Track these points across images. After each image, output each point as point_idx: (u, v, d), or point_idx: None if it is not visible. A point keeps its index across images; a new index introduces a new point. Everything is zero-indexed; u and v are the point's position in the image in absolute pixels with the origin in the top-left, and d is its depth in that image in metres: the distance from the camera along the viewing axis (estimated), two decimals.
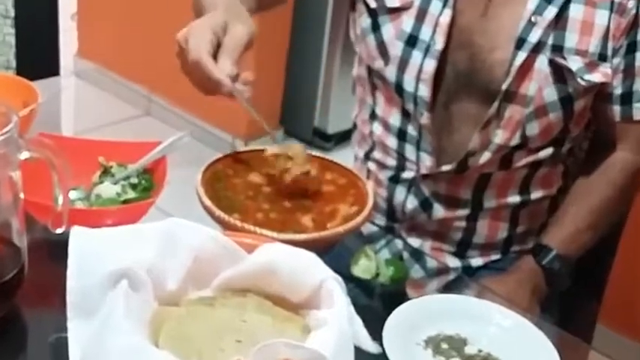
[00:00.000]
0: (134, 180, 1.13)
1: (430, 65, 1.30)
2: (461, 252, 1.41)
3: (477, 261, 1.41)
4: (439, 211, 1.38)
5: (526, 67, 1.27)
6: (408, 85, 1.32)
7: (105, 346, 0.77)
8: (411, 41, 1.31)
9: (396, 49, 1.32)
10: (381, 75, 1.36)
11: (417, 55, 1.31)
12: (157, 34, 2.63)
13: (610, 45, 1.27)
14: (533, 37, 1.26)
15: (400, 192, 1.41)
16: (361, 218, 1.05)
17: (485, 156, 1.32)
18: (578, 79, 1.27)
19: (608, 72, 1.28)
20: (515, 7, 1.28)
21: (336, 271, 0.88)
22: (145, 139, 1.18)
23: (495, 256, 1.42)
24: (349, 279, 0.94)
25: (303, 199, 1.10)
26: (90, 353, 0.79)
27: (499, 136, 1.31)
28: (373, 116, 1.42)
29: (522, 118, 1.29)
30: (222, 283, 0.89)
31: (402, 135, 1.38)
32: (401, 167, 1.40)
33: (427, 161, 1.35)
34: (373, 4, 1.34)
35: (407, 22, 1.32)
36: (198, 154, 1.15)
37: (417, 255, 1.35)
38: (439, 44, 1.29)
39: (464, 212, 1.38)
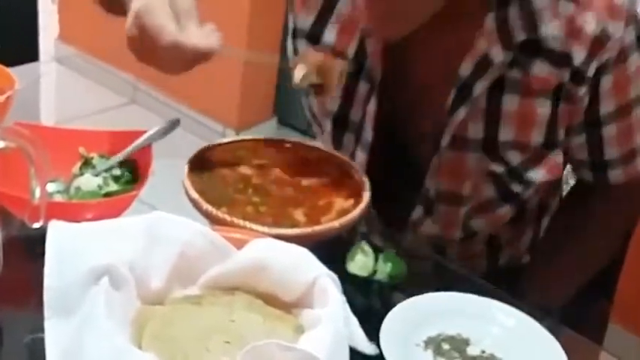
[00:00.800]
0: (116, 172, 1.13)
1: (361, 157, 1.22)
2: None
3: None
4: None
5: (452, 167, 1.18)
6: None
7: (85, 348, 0.77)
8: (340, 122, 1.24)
9: (327, 125, 1.26)
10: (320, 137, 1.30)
11: (348, 139, 1.24)
12: None
13: (560, 131, 1.17)
14: (445, 139, 1.17)
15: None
16: (358, 212, 1.05)
17: (428, 247, 1.25)
18: (514, 185, 1.19)
19: (557, 161, 1.19)
20: (436, 101, 1.17)
21: (330, 267, 0.88)
22: (130, 128, 1.17)
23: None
24: (344, 276, 0.93)
25: (296, 192, 1.10)
26: (69, 355, 0.79)
27: (438, 231, 1.23)
28: None
29: (460, 216, 1.22)
30: (209, 281, 0.89)
31: None
32: None
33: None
34: None
35: (332, 102, 1.23)
36: (186, 145, 1.15)
37: None
38: (369, 135, 1.21)
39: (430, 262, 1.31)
